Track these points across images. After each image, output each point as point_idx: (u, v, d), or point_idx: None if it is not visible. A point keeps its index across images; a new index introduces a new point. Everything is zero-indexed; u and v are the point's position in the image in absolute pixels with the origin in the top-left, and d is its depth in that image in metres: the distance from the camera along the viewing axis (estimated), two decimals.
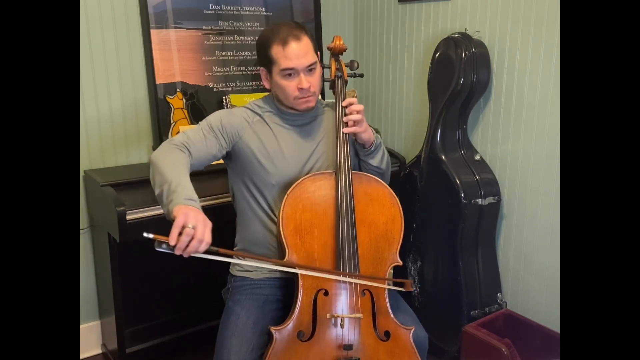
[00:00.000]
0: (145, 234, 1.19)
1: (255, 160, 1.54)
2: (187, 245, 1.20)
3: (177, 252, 1.21)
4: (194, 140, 1.48)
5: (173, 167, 1.38)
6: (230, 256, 1.39)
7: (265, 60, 1.52)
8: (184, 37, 2.26)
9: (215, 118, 1.56)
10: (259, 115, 1.58)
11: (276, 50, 1.47)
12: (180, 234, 1.20)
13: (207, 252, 1.24)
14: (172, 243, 1.19)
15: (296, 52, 1.47)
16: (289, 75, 1.49)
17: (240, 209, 1.61)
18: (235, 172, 1.60)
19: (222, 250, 1.29)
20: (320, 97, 1.64)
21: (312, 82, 1.51)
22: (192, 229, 1.20)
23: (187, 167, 1.42)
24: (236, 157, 1.56)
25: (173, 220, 1.23)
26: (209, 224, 1.25)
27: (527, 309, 2.12)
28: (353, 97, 1.61)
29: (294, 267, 1.43)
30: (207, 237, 1.23)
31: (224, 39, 2.36)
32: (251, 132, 1.55)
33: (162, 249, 1.20)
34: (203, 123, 1.55)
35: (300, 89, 1.50)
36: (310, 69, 1.50)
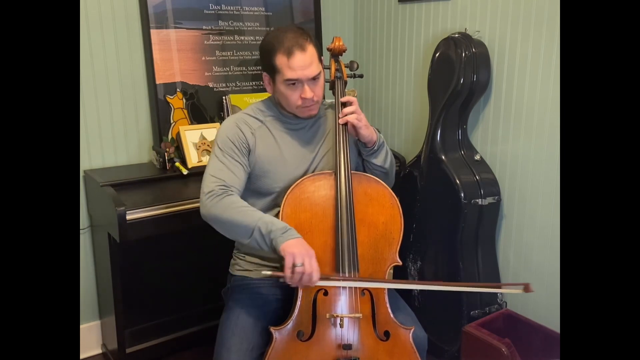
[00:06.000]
0: (263, 272, 1.37)
1: (258, 168, 1.53)
2: (300, 280, 1.32)
3: (293, 286, 1.36)
4: (226, 179, 1.46)
5: (242, 212, 1.39)
6: (339, 279, 1.44)
7: (269, 68, 1.51)
8: (184, 37, 2.26)
9: (224, 141, 1.52)
10: (261, 121, 1.58)
11: (280, 60, 1.46)
12: (292, 271, 1.31)
13: (320, 279, 1.36)
14: (288, 282, 1.33)
15: (301, 63, 1.45)
16: (293, 85, 1.48)
17: None
18: None
19: (332, 277, 1.42)
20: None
21: (315, 91, 1.50)
22: (301, 267, 1.30)
23: (247, 204, 1.44)
24: None
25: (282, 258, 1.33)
26: (313, 254, 1.34)
27: (527, 309, 2.12)
28: (353, 96, 1.61)
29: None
30: (315, 266, 1.33)
31: (224, 39, 2.36)
32: (254, 142, 1.54)
33: (281, 282, 1.36)
34: (217, 152, 1.51)
35: (304, 99, 1.49)
36: (314, 78, 1.48)
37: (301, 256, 1.30)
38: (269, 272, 1.35)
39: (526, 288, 1.39)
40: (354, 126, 1.53)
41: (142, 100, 2.26)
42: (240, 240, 1.41)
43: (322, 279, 1.35)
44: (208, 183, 1.45)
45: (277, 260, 1.50)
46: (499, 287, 1.49)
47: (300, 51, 1.45)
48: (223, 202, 1.41)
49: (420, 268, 2.31)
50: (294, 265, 1.29)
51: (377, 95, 2.75)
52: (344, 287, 1.44)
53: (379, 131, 1.63)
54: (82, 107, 2.13)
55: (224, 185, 1.44)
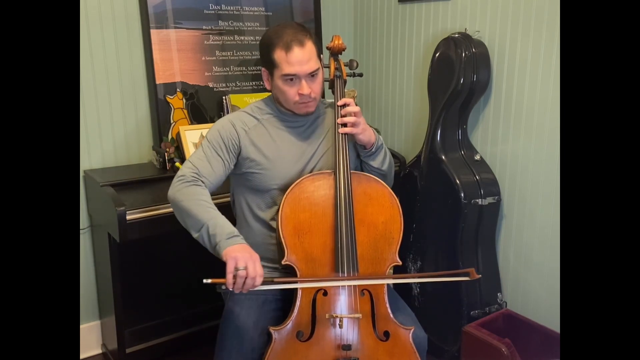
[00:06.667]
0: (204, 281, 1.31)
1: (254, 166, 1.54)
2: (243, 285, 1.30)
3: (237, 291, 1.32)
4: (201, 170, 1.49)
5: (200, 206, 1.40)
6: (286, 282, 1.44)
7: (268, 63, 1.51)
8: (184, 37, 2.26)
9: (214, 135, 1.55)
10: (257, 119, 1.58)
11: (279, 55, 1.46)
12: (234, 275, 1.29)
13: (263, 283, 1.34)
14: (230, 287, 1.30)
15: (299, 58, 1.45)
16: (290, 80, 1.48)
17: (240, 211, 1.62)
18: (237, 178, 1.60)
19: (277, 279, 1.41)
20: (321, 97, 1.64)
21: (313, 88, 1.50)
22: (244, 270, 1.29)
23: (210, 199, 1.45)
24: (238, 165, 1.57)
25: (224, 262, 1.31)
26: (256, 258, 1.32)
27: (527, 309, 2.12)
28: (352, 97, 1.60)
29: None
30: (259, 271, 1.31)
31: (224, 39, 2.36)
32: (248, 140, 1.55)
33: (222, 290, 1.31)
34: (205, 143, 1.54)
35: (301, 95, 1.49)
36: (312, 74, 1.49)
37: (244, 260, 1.29)
38: (209, 280, 1.31)
39: (472, 274, 1.42)
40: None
41: (142, 100, 2.26)
42: (190, 232, 1.41)
43: (265, 282, 1.33)
44: (184, 168, 1.50)
45: (276, 262, 1.51)
46: (446, 276, 1.50)
47: (298, 46, 1.45)
48: (188, 190, 1.44)
49: (420, 268, 2.31)
50: (236, 269, 1.28)
51: (377, 95, 2.75)
52: (344, 288, 1.44)
53: (378, 132, 1.63)
54: (82, 107, 2.13)
55: (196, 174, 1.47)
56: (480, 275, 1.43)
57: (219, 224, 1.37)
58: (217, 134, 1.54)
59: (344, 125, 1.52)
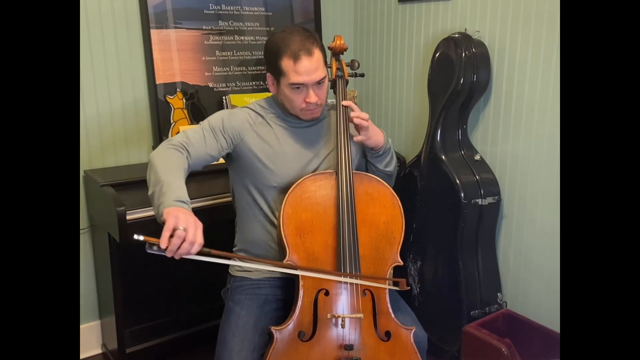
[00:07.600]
0: (135, 236, 1.18)
1: (256, 161, 1.53)
2: (178, 248, 1.20)
3: (169, 254, 1.21)
4: (192, 141, 1.48)
5: (168, 168, 1.37)
6: (225, 257, 1.35)
7: (274, 69, 1.50)
8: (184, 37, 2.26)
9: (216, 119, 1.55)
10: (262, 116, 1.58)
11: (287, 64, 1.45)
12: (171, 236, 1.20)
13: (200, 253, 1.23)
14: (163, 246, 1.19)
15: (307, 68, 1.44)
16: (298, 88, 1.47)
17: (240, 209, 1.61)
18: (236, 173, 1.60)
19: (214, 252, 1.27)
20: None
21: (320, 95, 1.50)
22: (183, 231, 1.20)
23: (182, 168, 1.42)
24: (237, 158, 1.56)
25: (163, 223, 1.22)
26: (199, 226, 1.24)
27: (527, 309, 2.13)
28: (352, 97, 1.60)
29: (295, 269, 1.43)
30: (199, 239, 1.22)
31: (224, 39, 2.36)
32: (253, 134, 1.54)
33: (153, 251, 1.20)
34: (204, 123, 1.54)
35: (308, 103, 1.49)
36: (319, 82, 1.48)
37: (186, 221, 1.21)
38: (141, 237, 1.19)
39: (401, 285, 1.46)
40: (361, 128, 1.52)
41: (142, 100, 2.26)
42: (148, 189, 1.36)
43: (202, 253, 1.23)
44: (177, 135, 1.50)
45: (278, 258, 1.50)
46: (383, 282, 1.50)
47: (307, 56, 1.44)
48: (168, 152, 1.43)
49: (420, 268, 2.31)
50: (174, 229, 1.19)
51: (377, 95, 2.75)
52: (345, 288, 1.44)
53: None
54: (82, 107, 2.13)
55: (185, 143, 1.47)
56: (409, 287, 1.44)
57: (174, 187, 1.30)
58: (220, 118, 1.54)
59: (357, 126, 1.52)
